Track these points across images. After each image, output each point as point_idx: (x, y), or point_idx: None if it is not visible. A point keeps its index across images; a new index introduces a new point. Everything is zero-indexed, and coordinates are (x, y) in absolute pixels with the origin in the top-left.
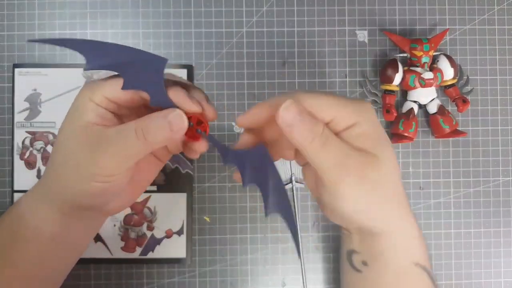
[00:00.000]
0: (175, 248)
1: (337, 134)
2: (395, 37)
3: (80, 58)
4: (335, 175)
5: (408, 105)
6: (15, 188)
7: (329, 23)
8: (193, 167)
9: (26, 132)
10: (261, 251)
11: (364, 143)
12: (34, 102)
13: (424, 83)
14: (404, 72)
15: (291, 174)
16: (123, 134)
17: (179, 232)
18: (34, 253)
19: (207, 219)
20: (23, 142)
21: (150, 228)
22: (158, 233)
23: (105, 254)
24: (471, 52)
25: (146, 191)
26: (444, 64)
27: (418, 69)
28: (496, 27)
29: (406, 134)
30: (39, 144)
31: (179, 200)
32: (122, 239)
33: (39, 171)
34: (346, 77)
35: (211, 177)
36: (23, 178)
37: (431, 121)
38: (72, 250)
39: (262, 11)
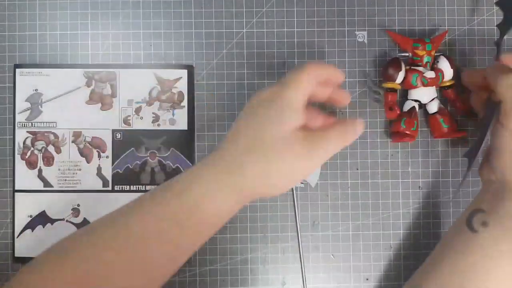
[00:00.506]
0: None
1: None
2: (397, 36)
3: (81, 58)
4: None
5: (409, 104)
6: (16, 188)
7: (328, 24)
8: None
9: (27, 132)
10: (261, 250)
11: None
12: (35, 102)
13: (427, 82)
14: (406, 71)
15: None
16: (331, 140)
17: None
18: (191, 234)
19: None
20: (24, 142)
21: None
22: None
23: None
24: (470, 52)
25: (147, 191)
26: (444, 65)
27: (420, 68)
28: (496, 27)
29: (408, 132)
30: (40, 144)
31: None
32: None
33: (40, 171)
34: (346, 77)
35: None
36: (24, 178)
37: (431, 121)
38: (218, 227)
39: (262, 11)
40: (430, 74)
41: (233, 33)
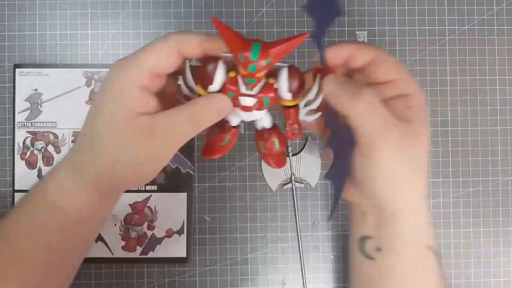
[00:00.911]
0: (176, 247)
1: (387, 100)
2: (224, 29)
3: (81, 58)
4: (376, 144)
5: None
6: (16, 188)
7: None
8: (193, 167)
9: (27, 132)
10: (261, 250)
11: (411, 114)
12: (34, 102)
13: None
14: (228, 79)
15: (291, 174)
16: (176, 121)
17: (180, 232)
18: (60, 235)
19: (207, 218)
20: (23, 142)
21: (151, 227)
22: (159, 232)
23: (106, 254)
24: (470, 52)
25: (147, 191)
26: (282, 82)
27: (242, 87)
28: (496, 27)
29: (216, 147)
30: (39, 144)
31: (179, 199)
32: (122, 239)
33: (39, 170)
34: None
35: (211, 177)
36: (24, 178)
37: (256, 137)
38: (94, 228)
39: (262, 11)
40: (246, 101)
41: None
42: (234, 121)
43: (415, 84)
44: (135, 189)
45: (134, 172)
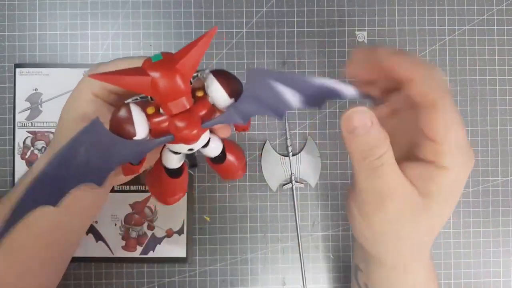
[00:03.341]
0: (176, 247)
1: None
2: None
3: (81, 58)
4: (375, 205)
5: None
6: None
7: (328, 24)
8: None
9: (27, 132)
10: (261, 250)
11: (429, 189)
12: (35, 102)
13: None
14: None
15: (291, 174)
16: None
17: (180, 232)
18: (44, 226)
19: (207, 218)
20: (24, 142)
21: (151, 227)
22: (159, 232)
23: (106, 253)
24: (470, 52)
25: (147, 191)
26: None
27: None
28: (495, 27)
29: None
30: (40, 144)
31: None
32: (123, 238)
33: None
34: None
35: (211, 177)
36: None
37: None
38: (82, 219)
39: (262, 11)
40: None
41: (233, 33)
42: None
43: (455, 157)
44: (135, 189)
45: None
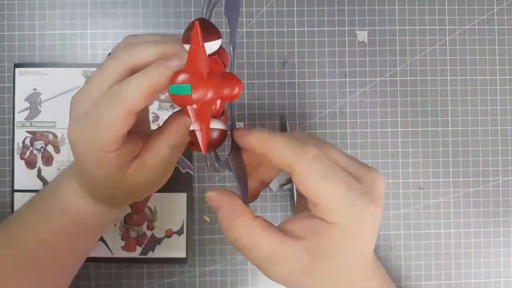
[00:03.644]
0: (175, 247)
1: (302, 206)
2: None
3: (80, 58)
4: (267, 269)
5: None
6: (16, 187)
7: (329, 23)
8: (193, 167)
9: (26, 131)
10: None
11: (319, 243)
12: (34, 101)
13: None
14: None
15: None
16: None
17: (179, 232)
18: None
19: (207, 219)
20: (23, 142)
21: (151, 227)
22: (158, 232)
23: (105, 254)
24: (471, 52)
25: None
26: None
27: None
28: (496, 27)
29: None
30: (39, 144)
31: (179, 200)
32: (122, 239)
33: (39, 170)
34: (346, 77)
35: (211, 177)
36: (24, 177)
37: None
38: (90, 234)
39: (262, 11)
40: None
41: None
42: None
43: (339, 213)
44: None
45: (92, 158)
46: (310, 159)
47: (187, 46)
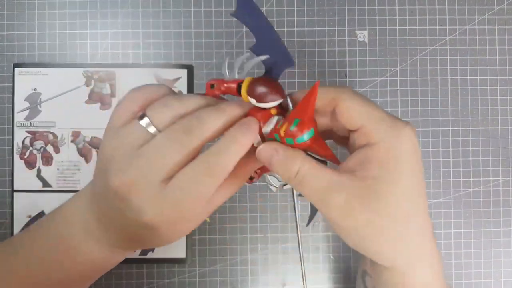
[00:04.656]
0: (175, 248)
1: (355, 148)
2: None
3: (80, 58)
4: (321, 210)
5: None
6: (15, 188)
7: (329, 23)
8: None
9: (26, 131)
10: (261, 251)
11: (369, 170)
12: (34, 101)
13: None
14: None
15: None
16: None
17: None
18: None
19: (207, 219)
20: (23, 142)
21: None
22: None
23: None
24: (471, 52)
25: None
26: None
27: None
28: (496, 27)
29: None
30: (39, 144)
31: None
32: None
33: (39, 170)
34: (346, 77)
35: None
36: (23, 178)
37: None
38: (99, 272)
39: (262, 11)
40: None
41: (232, 32)
42: None
43: (380, 131)
44: None
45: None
46: (351, 91)
47: (252, 100)
